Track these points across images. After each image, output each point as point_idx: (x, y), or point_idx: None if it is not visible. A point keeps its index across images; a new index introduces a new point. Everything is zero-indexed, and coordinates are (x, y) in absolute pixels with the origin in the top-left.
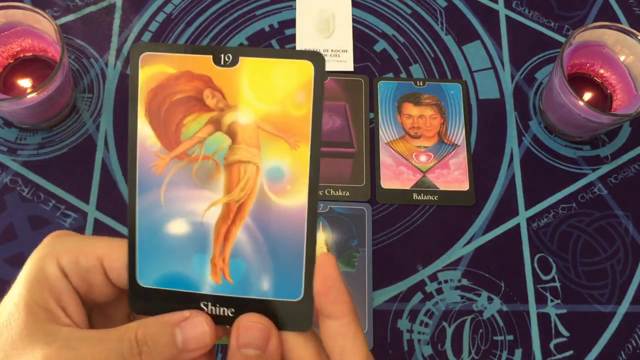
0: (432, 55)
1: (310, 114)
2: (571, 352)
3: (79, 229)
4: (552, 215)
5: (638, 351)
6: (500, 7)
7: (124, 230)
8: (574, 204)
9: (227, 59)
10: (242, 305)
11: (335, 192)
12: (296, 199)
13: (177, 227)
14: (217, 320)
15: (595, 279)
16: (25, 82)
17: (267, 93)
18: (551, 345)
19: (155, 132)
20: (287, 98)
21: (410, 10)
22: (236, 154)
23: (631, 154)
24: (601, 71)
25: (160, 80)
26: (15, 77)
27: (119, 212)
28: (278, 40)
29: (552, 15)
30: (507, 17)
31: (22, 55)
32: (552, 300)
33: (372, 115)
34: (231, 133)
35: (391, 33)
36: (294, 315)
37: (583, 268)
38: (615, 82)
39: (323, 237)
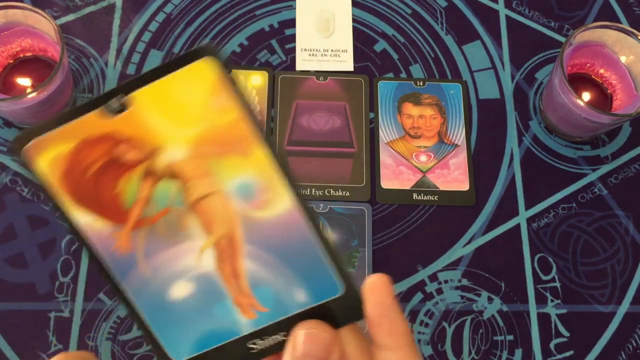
0: (432, 55)
1: (241, 113)
2: (571, 352)
3: None
4: (552, 215)
5: (638, 351)
6: (500, 7)
7: None
8: (574, 204)
9: (116, 105)
10: (291, 324)
11: (335, 192)
12: (282, 203)
13: (181, 290)
14: (271, 350)
15: (595, 279)
16: (25, 82)
17: (182, 116)
18: (551, 346)
19: (95, 215)
20: (206, 110)
21: (411, 10)
22: (193, 192)
23: (631, 153)
24: (601, 71)
25: (63, 164)
26: (15, 77)
27: None
28: (278, 40)
29: (552, 15)
30: (507, 17)
31: (22, 55)
32: (552, 300)
33: (372, 115)
34: (174, 174)
35: (391, 33)
36: (343, 310)
37: (583, 268)
38: (616, 82)
39: None
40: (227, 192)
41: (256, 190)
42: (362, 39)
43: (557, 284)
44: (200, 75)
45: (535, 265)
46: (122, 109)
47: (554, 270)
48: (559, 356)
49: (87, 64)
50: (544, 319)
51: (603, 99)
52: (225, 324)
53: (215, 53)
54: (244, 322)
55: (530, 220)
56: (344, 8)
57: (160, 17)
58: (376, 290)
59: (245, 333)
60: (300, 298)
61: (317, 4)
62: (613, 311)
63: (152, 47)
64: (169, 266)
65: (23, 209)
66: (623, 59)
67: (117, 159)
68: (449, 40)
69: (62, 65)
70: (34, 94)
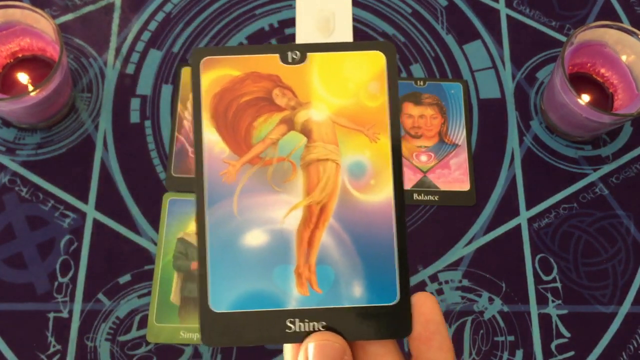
0: (433, 55)
1: (386, 104)
2: (572, 352)
3: (78, 229)
4: (553, 216)
5: (639, 352)
6: (501, 6)
7: (123, 230)
8: (575, 204)
9: (294, 56)
10: (334, 317)
11: None
12: (381, 194)
13: (255, 239)
14: (303, 337)
15: (596, 279)
16: (23, 82)
17: (339, 87)
18: (552, 346)
19: (222, 138)
20: (360, 90)
21: (411, 10)
22: (313, 152)
23: (632, 153)
24: (602, 71)
25: (224, 84)
26: (13, 76)
27: (118, 212)
28: (278, 40)
29: (553, 14)
30: (508, 17)
31: (20, 55)
32: (553, 301)
33: None
34: (306, 131)
35: (392, 32)
36: (391, 320)
37: (584, 268)
38: (617, 82)
39: None
40: (341, 163)
41: (366, 173)
42: (362, 38)
43: (558, 285)
44: (371, 62)
45: (536, 265)
46: (297, 61)
47: (555, 270)
48: (560, 357)
49: (86, 63)
50: (544, 319)
51: (604, 99)
52: (277, 290)
53: (391, 52)
54: (294, 296)
55: (531, 221)
56: (344, 7)
57: (160, 16)
58: (427, 306)
59: (291, 308)
60: (356, 293)
61: (317, 3)
62: (614, 312)
63: (152, 47)
64: (256, 210)
65: (22, 209)
66: (624, 58)
67: (268, 98)
68: (449, 40)
69: (61, 64)
70: (32, 94)
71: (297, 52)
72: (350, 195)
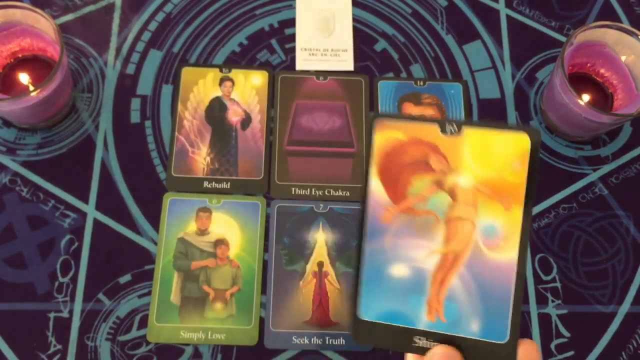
0: (433, 55)
1: (524, 182)
2: (572, 352)
3: (79, 229)
4: (553, 216)
5: (639, 351)
6: (501, 6)
7: (123, 230)
8: (574, 204)
9: (452, 130)
10: (452, 342)
11: (335, 192)
12: (507, 254)
13: (399, 270)
14: (425, 351)
15: (596, 279)
16: (24, 82)
17: (486, 160)
18: (552, 346)
19: (384, 187)
20: (504, 166)
21: (411, 10)
22: (456, 211)
23: (632, 153)
24: (602, 71)
25: (392, 145)
26: (14, 76)
27: (118, 212)
28: (278, 40)
29: (553, 14)
30: (508, 17)
31: (21, 55)
32: (552, 301)
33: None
34: (452, 193)
35: (391, 32)
36: (497, 356)
37: (584, 268)
38: (616, 82)
39: (323, 237)
40: (477, 224)
41: (497, 234)
42: (362, 38)
43: (558, 284)
44: (517, 143)
45: (536, 265)
46: (453, 134)
47: (555, 270)
48: (559, 357)
49: (86, 63)
50: (544, 319)
51: (604, 99)
52: (410, 313)
53: (537, 137)
54: (423, 320)
55: None
56: (344, 7)
57: (160, 16)
58: (531, 351)
59: (420, 328)
60: (473, 327)
61: (317, 4)
62: (614, 311)
63: (152, 47)
64: (403, 249)
65: (22, 209)
66: (624, 58)
67: (425, 161)
68: (449, 40)
69: (61, 64)
70: (33, 94)
71: (455, 126)
72: (481, 251)
